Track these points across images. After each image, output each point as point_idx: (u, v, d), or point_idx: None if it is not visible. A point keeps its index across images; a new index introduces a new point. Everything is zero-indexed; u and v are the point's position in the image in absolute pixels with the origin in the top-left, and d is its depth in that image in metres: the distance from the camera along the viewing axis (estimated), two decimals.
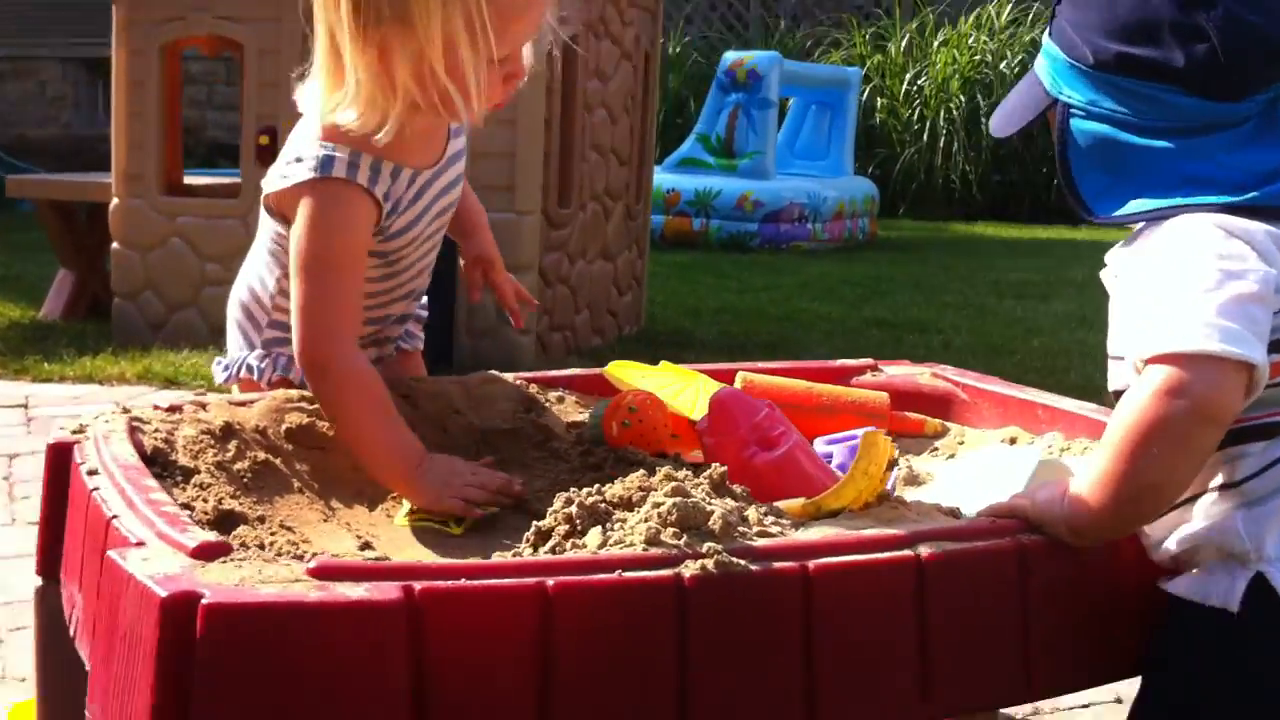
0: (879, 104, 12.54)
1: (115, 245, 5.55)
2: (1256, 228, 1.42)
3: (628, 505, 1.39)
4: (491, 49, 1.71)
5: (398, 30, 1.70)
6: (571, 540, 1.33)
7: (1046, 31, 1.61)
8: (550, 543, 1.33)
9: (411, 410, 1.99)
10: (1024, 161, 12.02)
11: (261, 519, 1.65)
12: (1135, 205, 1.50)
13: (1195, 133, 1.49)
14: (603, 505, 1.37)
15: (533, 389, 2.09)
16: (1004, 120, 1.64)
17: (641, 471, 1.44)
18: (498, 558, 1.31)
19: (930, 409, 2.17)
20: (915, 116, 12.33)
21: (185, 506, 1.56)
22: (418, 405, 2.00)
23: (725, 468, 1.45)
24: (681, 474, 1.43)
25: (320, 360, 1.83)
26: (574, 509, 1.35)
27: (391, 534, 1.76)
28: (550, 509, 1.40)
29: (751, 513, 1.39)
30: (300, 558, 1.34)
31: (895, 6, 13.15)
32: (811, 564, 1.31)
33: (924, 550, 1.35)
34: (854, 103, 10.32)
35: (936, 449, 2.07)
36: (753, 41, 13.58)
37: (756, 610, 1.28)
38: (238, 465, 1.76)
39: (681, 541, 1.29)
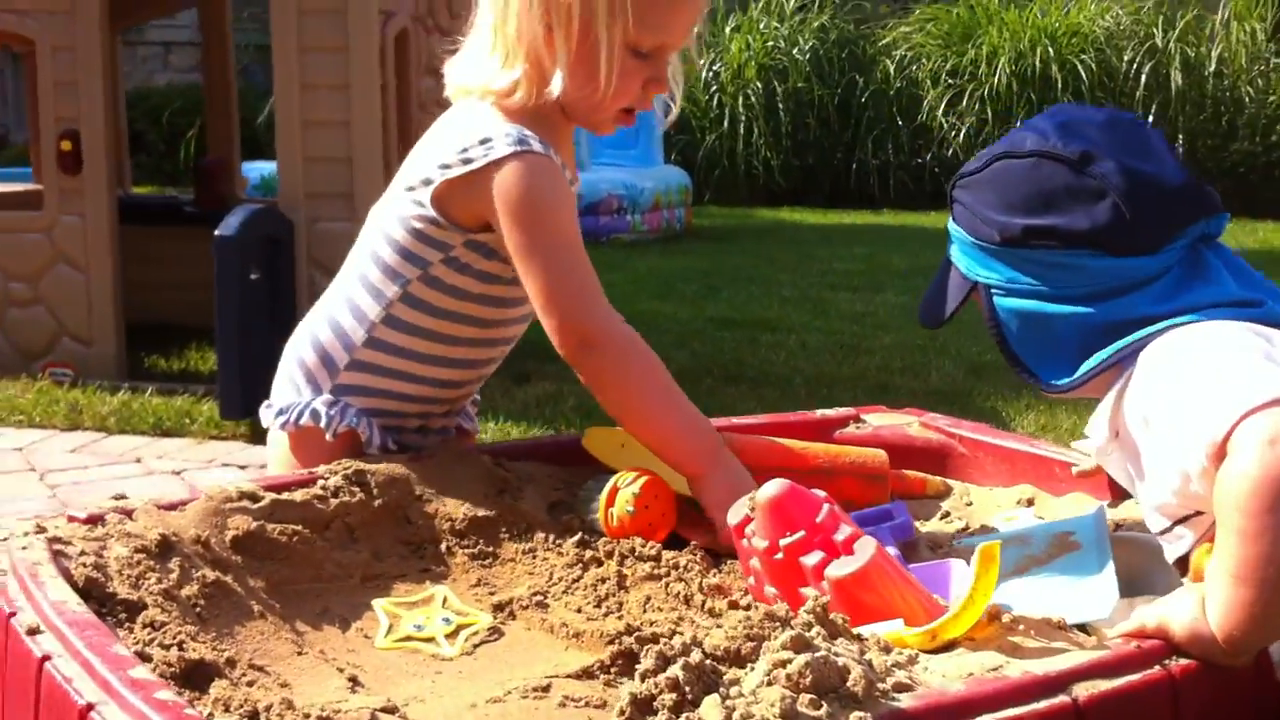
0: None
1: None
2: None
3: (737, 660, 1.15)
4: (629, 26, 1.64)
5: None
6: (684, 714, 1.09)
7: (950, 218, 1.57)
8: (658, 718, 1.08)
9: (365, 498, 1.71)
10: (822, 147, 12.08)
11: (231, 662, 1.36)
12: (1085, 365, 1.47)
13: (1119, 293, 1.46)
14: (708, 664, 1.13)
15: (499, 465, 1.83)
16: (930, 310, 1.63)
17: (743, 616, 1.20)
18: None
19: (926, 464, 1.99)
20: (714, 103, 12.27)
21: (140, 656, 1.27)
22: (372, 493, 1.72)
23: (826, 597, 1.22)
24: (784, 612, 1.20)
25: (595, 335, 1.69)
26: (679, 672, 1.11)
27: (376, 662, 1.49)
28: (642, 668, 1.15)
29: (875, 656, 1.17)
30: None
31: None
32: None
33: (1080, 693, 1.16)
34: None
35: (947, 514, 1.89)
36: None
37: None
38: (185, 591, 1.47)
39: (823, 711, 1.06)
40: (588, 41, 1.67)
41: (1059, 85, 10.68)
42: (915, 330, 5.97)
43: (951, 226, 1.57)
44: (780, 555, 1.39)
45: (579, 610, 1.57)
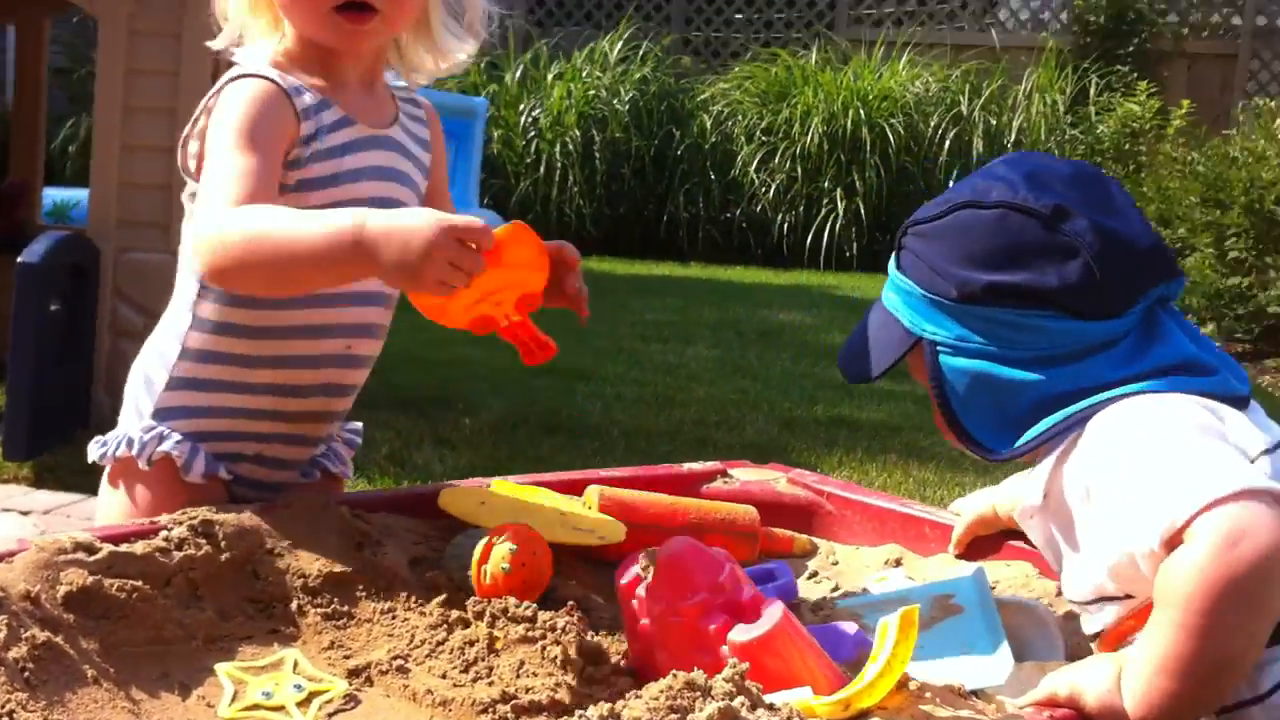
0: (495, 135, 12.37)
1: None
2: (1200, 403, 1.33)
3: None
4: None
5: None
6: None
7: (893, 264, 1.48)
8: None
9: (212, 550, 1.58)
10: (635, 197, 12.14)
11: None
12: (1032, 432, 1.39)
13: (1071, 359, 1.39)
14: None
15: (355, 517, 1.71)
16: (859, 363, 1.52)
17: (664, 685, 1.12)
18: None
19: (793, 522, 1.95)
20: (532, 149, 12.22)
21: None
22: (219, 545, 1.59)
23: (745, 665, 1.15)
24: (703, 680, 1.12)
25: (213, 232, 1.53)
26: None
27: None
28: None
29: None
30: None
31: (510, 36, 13.04)
32: None
33: None
34: (480, 133, 10.09)
35: (815, 573, 1.85)
36: None
37: None
38: (13, 653, 1.34)
39: None
40: None
41: (867, 146, 10.95)
42: (727, 383, 6.00)
43: (896, 276, 1.47)
44: (678, 618, 1.32)
45: (444, 675, 1.47)
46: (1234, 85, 11.09)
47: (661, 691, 1.10)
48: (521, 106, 12.20)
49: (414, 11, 1.72)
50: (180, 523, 1.56)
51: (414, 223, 1.44)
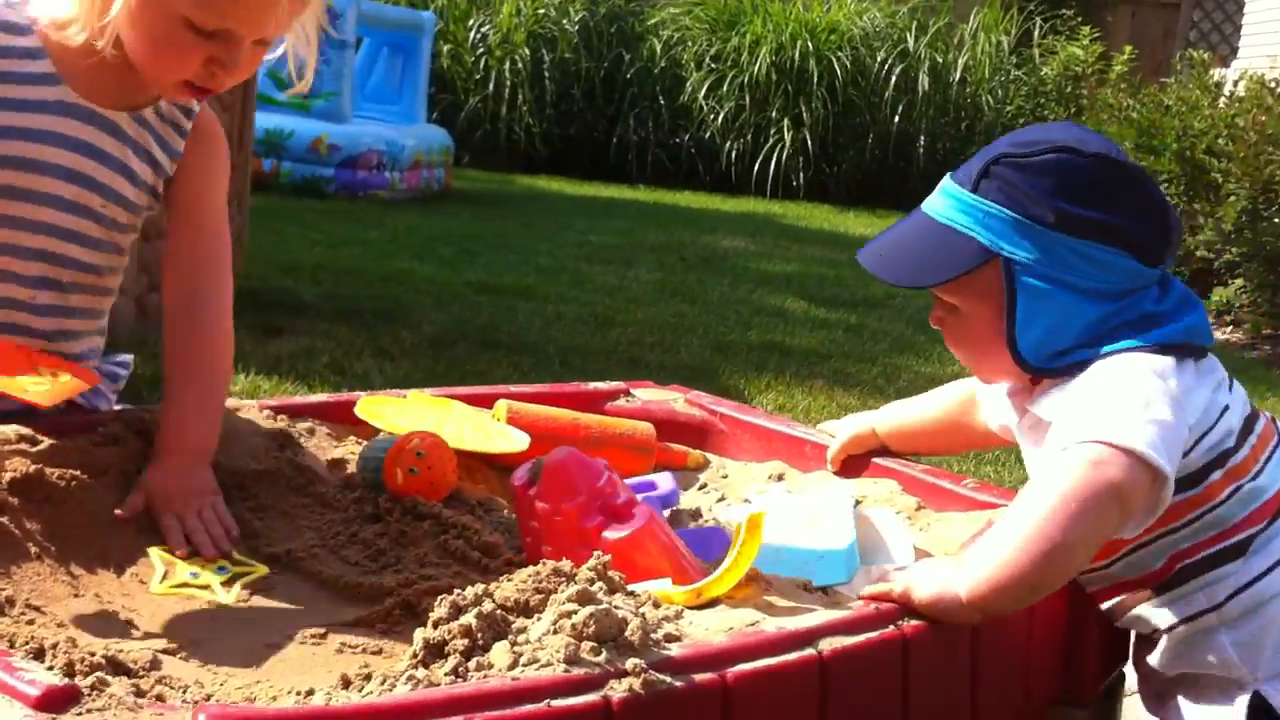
0: (443, 50, 12.35)
1: None
2: (1185, 366, 1.56)
3: (525, 611, 1.24)
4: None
5: None
6: (475, 658, 1.17)
7: (964, 190, 1.65)
8: (450, 662, 1.16)
9: (145, 446, 1.73)
10: (585, 119, 12.20)
11: (10, 601, 1.38)
12: (1072, 356, 1.61)
13: (1122, 295, 1.61)
14: (498, 613, 1.21)
15: (280, 420, 1.86)
16: (911, 272, 1.67)
17: (531, 571, 1.28)
18: (404, 688, 1.12)
19: (688, 438, 2.12)
20: (480, 65, 12.22)
21: None
22: (152, 441, 1.73)
23: (607, 556, 1.32)
24: (569, 568, 1.29)
25: None
26: (472, 620, 1.19)
27: (153, 607, 1.52)
28: (435, 616, 1.22)
29: (648, 610, 1.28)
30: (158, 697, 1.11)
31: None
32: (730, 673, 1.22)
33: (825, 647, 1.30)
34: (427, 48, 10.08)
35: (705, 485, 2.02)
36: None
37: None
38: None
39: (602, 658, 1.16)
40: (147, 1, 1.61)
41: (814, 79, 11.07)
42: (666, 306, 6.14)
43: (974, 200, 1.63)
44: (560, 517, 1.48)
45: (355, 564, 1.63)
46: (1175, 34, 11.26)
47: (530, 576, 1.27)
48: (471, 22, 12.17)
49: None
50: (116, 419, 1.70)
51: None
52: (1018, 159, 1.63)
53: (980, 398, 1.89)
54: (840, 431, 1.99)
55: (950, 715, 1.46)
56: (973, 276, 1.62)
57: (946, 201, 1.66)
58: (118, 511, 1.63)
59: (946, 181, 1.69)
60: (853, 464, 1.98)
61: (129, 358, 1.96)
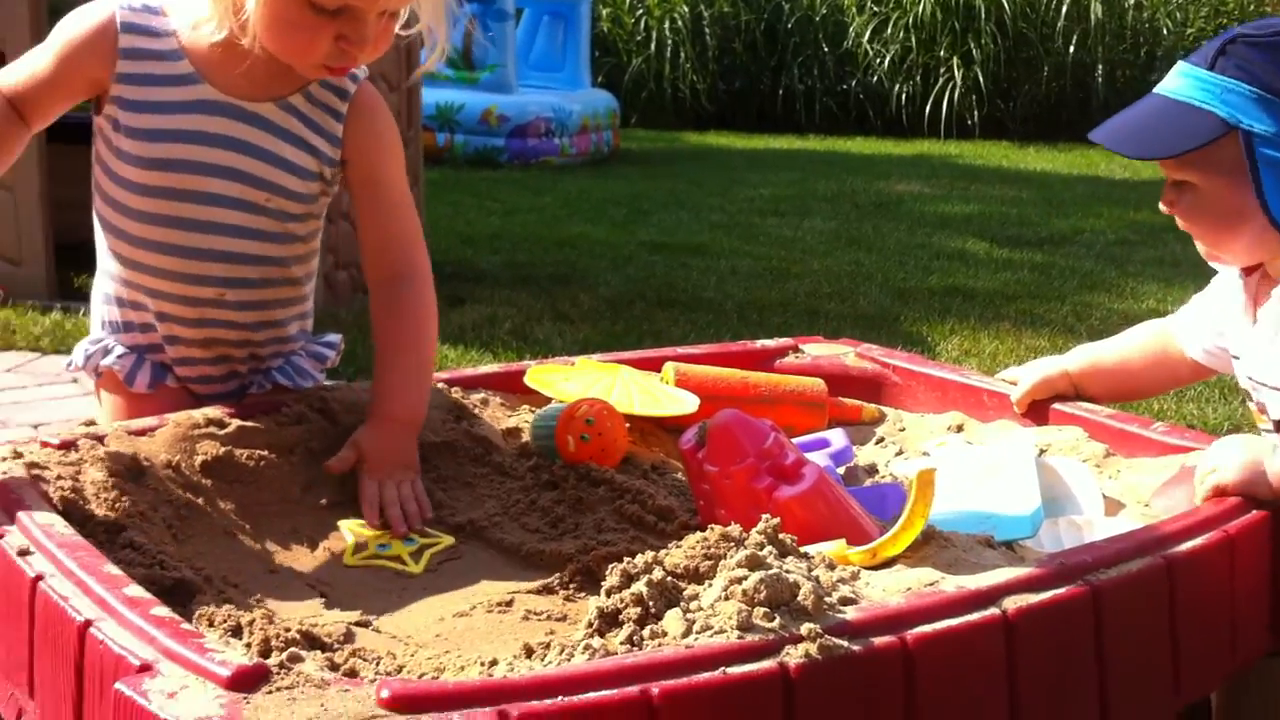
0: (603, 12, 12.38)
1: None
2: None
3: (695, 577, 1.24)
4: None
5: None
6: (648, 626, 1.17)
7: (1201, 68, 1.70)
8: (625, 631, 1.17)
9: (328, 424, 1.77)
10: (750, 71, 12.09)
11: (208, 580, 1.43)
12: None
13: None
14: (669, 580, 1.21)
15: (455, 393, 1.90)
16: (1149, 145, 1.73)
17: (700, 536, 1.28)
18: (581, 658, 1.14)
19: (861, 392, 2.09)
20: (640, 26, 12.21)
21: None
22: (335, 419, 1.78)
23: (776, 519, 1.31)
24: (738, 533, 1.28)
25: None
26: (643, 587, 1.19)
27: (345, 579, 1.57)
28: (607, 584, 1.23)
29: (822, 573, 1.27)
30: (350, 672, 1.14)
31: None
32: (909, 635, 1.20)
33: (1009, 606, 1.26)
34: (587, 13, 10.12)
35: (882, 439, 1.99)
36: None
37: (861, 693, 1.17)
38: (160, 513, 1.52)
39: (776, 624, 1.15)
40: None
41: (982, 15, 10.76)
42: (842, 255, 6.07)
43: (1212, 77, 1.67)
44: (730, 480, 1.48)
45: (536, 531, 1.65)
46: None
47: (698, 542, 1.26)
48: None
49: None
50: (299, 401, 1.76)
51: None
52: (1255, 38, 1.68)
53: (1178, 328, 1.88)
54: (1027, 375, 1.94)
55: (1150, 673, 1.40)
56: (1210, 150, 1.66)
57: (1183, 81, 1.71)
58: (330, 463, 1.69)
59: (1181, 64, 1.73)
60: (1036, 410, 1.92)
61: (337, 338, 1.99)
